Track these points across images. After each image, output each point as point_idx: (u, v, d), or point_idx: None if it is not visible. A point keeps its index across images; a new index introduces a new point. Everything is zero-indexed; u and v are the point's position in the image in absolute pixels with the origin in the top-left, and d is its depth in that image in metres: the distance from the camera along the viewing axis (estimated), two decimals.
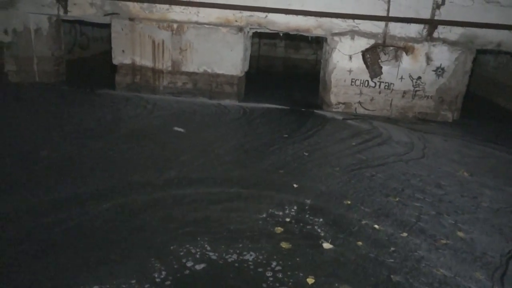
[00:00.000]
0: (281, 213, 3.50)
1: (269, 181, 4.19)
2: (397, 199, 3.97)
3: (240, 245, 2.95)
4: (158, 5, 6.99)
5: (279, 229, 3.23)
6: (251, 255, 2.86)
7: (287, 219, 3.41)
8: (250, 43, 7.67)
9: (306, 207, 3.63)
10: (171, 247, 2.88)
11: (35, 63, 7.52)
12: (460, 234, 3.44)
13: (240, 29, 7.00)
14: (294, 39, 10.95)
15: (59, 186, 3.70)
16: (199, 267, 2.69)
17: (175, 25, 7.04)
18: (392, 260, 2.95)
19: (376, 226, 3.41)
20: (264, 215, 3.44)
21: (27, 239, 2.89)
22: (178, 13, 7.01)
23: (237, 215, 3.41)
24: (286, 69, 11.04)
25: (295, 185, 4.08)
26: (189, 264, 2.72)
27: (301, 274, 2.70)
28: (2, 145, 4.58)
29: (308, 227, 3.31)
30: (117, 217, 3.26)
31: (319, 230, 3.26)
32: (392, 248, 3.10)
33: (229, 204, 3.59)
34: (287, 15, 6.84)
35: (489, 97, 8.98)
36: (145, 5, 7.00)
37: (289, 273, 2.71)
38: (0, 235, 2.91)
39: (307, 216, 3.48)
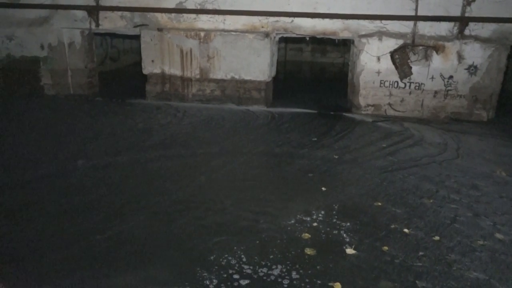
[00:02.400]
0: (309, 218, 3.47)
1: (298, 185, 4.18)
2: (431, 201, 3.88)
3: (271, 256, 2.93)
4: (185, 15, 7.13)
5: (306, 235, 3.21)
6: (280, 266, 2.86)
7: (315, 224, 3.39)
8: (277, 48, 7.69)
9: (334, 212, 3.59)
10: (211, 257, 2.90)
11: (69, 76, 7.81)
12: (499, 235, 3.32)
13: (267, 34, 7.04)
14: (320, 42, 10.92)
15: (94, 195, 3.81)
16: (243, 282, 2.69)
17: (202, 34, 7.16)
18: (420, 264, 2.87)
19: (406, 230, 3.33)
20: (293, 221, 3.42)
21: (69, 247, 2.99)
22: (205, 21, 7.13)
23: (267, 221, 3.41)
24: (313, 73, 11.00)
25: (323, 189, 4.05)
26: (236, 276, 2.71)
27: (318, 282, 2.66)
28: (41, 155, 4.76)
29: (334, 232, 3.27)
30: (153, 225, 3.32)
31: (344, 235, 3.21)
32: (421, 253, 3.02)
33: (259, 210, 3.60)
34: (313, 19, 6.82)
35: None
36: (173, 15, 7.16)
37: (307, 280, 2.67)
38: (39, 236, 3.02)
39: (334, 220, 3.44)
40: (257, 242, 3.11)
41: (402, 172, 4.56)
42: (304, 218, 3.47)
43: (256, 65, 7.18)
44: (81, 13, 7.38)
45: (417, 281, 2.71)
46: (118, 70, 10.82)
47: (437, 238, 3.23)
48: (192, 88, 7.41)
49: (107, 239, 3.07)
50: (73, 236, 3.10)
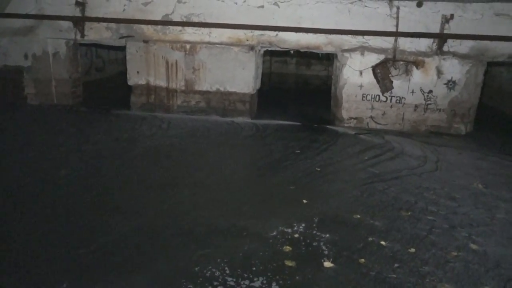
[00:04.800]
0: (290, 230, 3.53)
1: (280, 197, 4.24)
2: (409, 213, 3.97)
3: (254, 268, 2.97)
4: (171, 27, 7.20)
5: (287, 248, 3.26)
6: (262, 278, 2.90)
7: (296, 235, 3.45)
8: (262, 61, 7.80)
9: (314, 224, 3.65)
10: (196, 268, 2.93)
11: (53, 86, 7.79)
12: (473, 246, 3.42)
13: (252, 47, 7.15)
14: (305, 55, 11.08)
15: (78, 205, 3.81)
16: None
17: (188, 46, 7.23)
18: (395, 276, 2.94)
19: (383, 242, 3.40)
20: (275, 233, 3.47)
21: (52, 259, 2.99)
22: (190, 34, 7.21)
23: (250, 233, 3.45)
24: (298, 86, 11.15)
25: (305, 201, 4.12)
26: None
27: None
28: (23, 165, 4.74)
29: (314, 244, 3.33)
30: (138, 237, 3.34)
31: (324, 248, 3.27)
32: (397, 265, 3.09)
33: (243, 222, 3.64)
34: (298, 33, 6.96)
35: (503, 108, 8.89)
36: (159, 27, 7.22)
37: None
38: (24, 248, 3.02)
39: (314, 232, 3.51)
40: (240, 254, 3.15)
41: (382, 184, 4.66)
42: (285, 230, 3.53)
43: (241, 77, 7.27)
44: (66, 24, 7.40)
45: None
46: (103, 80, 10.81)
47: (412, 250, 3.31)
48: (177, 100, 7.46)
49: (92, 252, 3.08)
50: (56, 248, 3.10)
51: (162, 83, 7.44)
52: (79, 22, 7.34)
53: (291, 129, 6.90)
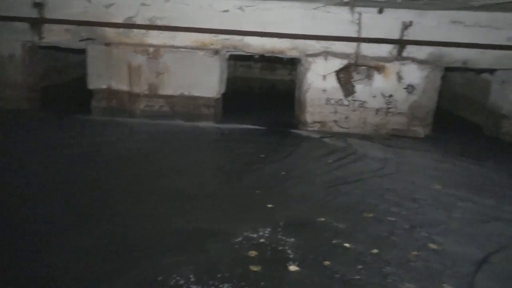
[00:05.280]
0: (255, 235, 3.52)
1: (246, 202, 4.24)
2: (371, 214, 4.06)
3: (219, 275, 2.93)
4: (134, 30, 7.06)
5: (253, 253, 3.25)
6: (227, 284, 2.88)
7: (261, 240, 3.44)
8: (227, 65, 7.79)
9: (280, 228, 3.66)
10: (160, 278, 2.86)
11: (8, 90, 7.46)
12: (433, 245, 3.53)
13: (216, 52, 7.12)
14: (269, 60, 11.14)
15: (31, 216, 3.66)
16: None
17: (151, 49, 7.11)
18: (358, 278, 2.99)
19: (347, 244, 3.45)
20: (240, 238, 3.45)
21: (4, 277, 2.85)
22: (154, 37, 7.10)
23: (216, 240, 3.42)
24: (262, 90, 11.20)
25: (270, 206, 4.13)
26: None
27: None
28: None
29: (280, 248, 3.34)
30: (99, 247, 3.23)
31: (289, 252, 3.28)
32: (360, 266, 3.14)
33: (208, 228, 3.61)
34: (263, 38, 6.99)
35: (458, 112, 9.25)
36: (122, 30, 7.07)
37: None
38: None
39: (279, 237, 3.52)
40: (206, 261, 3.11)
41: (346, 187, 4.74)
42: (251, 235, 3.52)
43: (205, 81, 7.23)
44: (23, 25, 7.11)
45: None
46: (64, 84, 10.45)
47: (375, 251, 3.38)
48: (140, 104, 7.31)
49: (48, 266, 2.96)
50: (9, 264, 2.96)
51: (124, 87, 7.27)
52: (37, 23, 7.08)
53: (256, 134, 6.91)
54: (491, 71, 7.50)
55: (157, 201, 4.10)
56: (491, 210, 4.31)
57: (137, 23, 7.02)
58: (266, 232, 3.58)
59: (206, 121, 7.33)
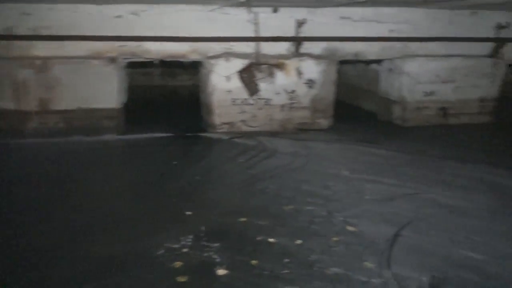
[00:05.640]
0: (178, 245, 3.37)
1: (163, 212, 4.05)
2: (290, 207, 4.13)
3: None
4: (16, 42, 6.38)
5: (178, 264, 3.10)
6: None
7: (185, 250, 3.30)
8: (125, 73, 7.42)
9: (202, 234, 3.55)
10: None
11: None
12: (350, 228, 3.69)
13: (113, 60, 6.74)
14: (169, 66, 10.90)
15: None
16: None
17: (38, 62, 6.49)
18: (287, 271, 3.01)
19: (271, 239, 3.47)
20: (162, 251, 3.28)
21: None
22: (40, 48, 6.49)
23: (136, 256, 3.21)
24: (165, 97, 10.87)
25: (189, 213, 3.99)
26: None
27: None
28: None
29: (205, 255, 3.23)
30: (11, 274, 2.84)
31: (215, 257, 3.20)
32: (287, 259, 3.17)
33: (126, 246, 3.37)
34: (161, 42, 6.77)
35: (355, 102, 9.92)
36: (2, 43, 6.34)
37: None
38: None
39: (203, 243, 3.41)
40: (127, 280, 2.89)
41: (262, 183, 4.77)
42: (173, 246, 3.35)
43: (104, 92, 6.80)
44: None
45: None
46: None
47: (299, 242, 3.44)
48: (31, 123, 6.63)
49: None
50: None
51: (10, 105, 6.53)
52: None
53: (164, 141, 6.67)
54: (379, 61, 8.13)
55: (66, 223, 3.73)
56: (395, 189, 4.65)
57: (19, 34, 6.36)
58: (188, 240, 3.45)
59: (109, 134, 6.89)
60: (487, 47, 7.82)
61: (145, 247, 3.34)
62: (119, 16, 6.59)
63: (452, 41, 7.60)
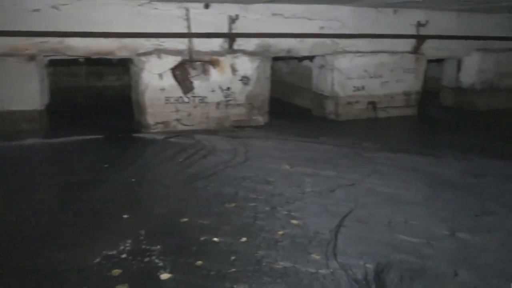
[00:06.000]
0: (115, 251, 3.14)
1: (98, 218, 3.76)
2: (233, 204, 4.03)
3: None
4: None
5: (116, 271, 2.88)
6: None
7: (123, 256, 3.08)
8: (47, 72, 6.87)
9: (141, 238, 3.35)
10: None
11: None
12: (294, 221, 3.68)
13: (32, 57, 6.20)
14: (96, 65, 10.35)
15: None
16: None
17: None
18: (234, 270, 2.92)
19: (215, 239, 3.35)
20: (99, 259, 3.03)
21: None
22: None
23: (70, 267, 2.93)
24: (92, 98, 10.27)
25: (126, 216, 3.75)
26: None
27: None
28: None
29: (146, 259, 3.04)
30: None
31: (157, 261, 3.02)
32: (233, 257, 3.08)
33: (59, 257, 3.06)
34: (87, 38, 6.34)
35: (289, 99, 10.06)
36: None
37: None
38: None
39: (143, 247, 3.21)
40: None
41: (202, 182, 4.63)
42: (110, 253, 3.11)
43: (23, 92, 6.25)
44: None
45: (234, 286, 2.73)
46: None
47: (244, 239, 3.35)
48: None
49: None
50: None
51: None
52: None
53: (94, 144, 6.26)
54: (311, 58, 8.30)
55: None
56: (334, 180, 4.73)
57: None
58: (127, 245, 3.22)
59: (32, 138, 6.32)
60: (409, 43, 8.29)
61: (79, 256, 3.07)
62: (37, 10, 6.07)
63: (378, 38, 7.95)
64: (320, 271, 2.91)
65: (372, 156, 5.66)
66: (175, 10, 6.66)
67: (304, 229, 3.54)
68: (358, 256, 3.12)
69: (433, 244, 3.34)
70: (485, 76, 9.19)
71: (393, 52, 8.20)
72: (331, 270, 2.92)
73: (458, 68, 9.38)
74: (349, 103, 8.08)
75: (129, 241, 3.29)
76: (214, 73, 7.10)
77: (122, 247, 3.19)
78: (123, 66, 9.85)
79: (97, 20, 6.31)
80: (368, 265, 2.99)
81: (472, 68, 9.18)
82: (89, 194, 4.27)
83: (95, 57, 6.68)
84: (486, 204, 4.11)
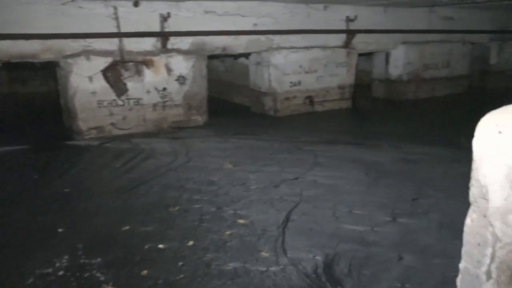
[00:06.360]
0: (51, 269, 2.90)
1: (30, 234, 3.46)
2: (177, 208, 3.90)
3: None
4: None
5: None
6: None
7: (61, 273, 2.85)
8: None
9: (80, 252, 3.13)
10: None
11: None
12: (241, 220, 3.62)
13: None
14: (19, 70, 9.65)
15: None
16: None
17: None
18: (183, 276, 2.81)
19: (161, 245, 3.21)
20: (32, 279, 2.78)
21: None
22: None
23: None
24: (15, 106, 9.52)
25: (60, 230, 3.49)
26: None
27: None
28: None
29: (86, 275, 2.84)
30: None
31: (98, 274, 2.83)
32: (181, 263, 2.97)
33: None
34: (5, 41, 5.83)
35: (227, 97, 10.00)
36: None
37: None
38: None
39: (82, 261, 3.00)
40: None
41: (143, 187, 4.44)
42: (45, 271, 2.87)
43: None
44: None
45: None
46: None
47: (191, 243, 3.25)
48: None
49: None
50: None
51: None
52: None
53: (20, 155, 5.78)
54: (247, 55, 8.28)
55: None
56: (277, 175, 4.74)
57: None
58: (63, 261, 2.99)
59: None
60: (340, 38, 8.55)
61: (10, 278, 2.80)
62: None
63: (310, 33, 8.11)
64: (270, 268, 2.88)
65: (313, 149, 5.75)
66: (102, 8, 6.33)
67: (252, 227, 3.49)
68: (307, 249, 3.13)
69: (377, 231, 3.44)
70: (411, 68, 9.72)
71: (325, 47, 8.41)
72: (282, 267, 2.90)
73: (387, 61, 9.84)
74: (287, 98, 8.17)
75: (66, 256, 3.06)
76: (148, 73, 6.85)
77: (58, 264, 2.96)
78: (47, 70, 9.25)
79: (14, 20, 5.82)
80: (317, 258, 3.01)
81: (399, 60, 9.67)
82: (18, 209, 3.93)
83: (17, 60, 6.16)
84: (421, 188, 4.32)
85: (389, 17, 9.04)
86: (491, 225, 1.36)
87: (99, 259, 3.01)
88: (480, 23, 10.49)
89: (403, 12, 9.20)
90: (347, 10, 8.45)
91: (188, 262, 2.98)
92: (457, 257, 1.58)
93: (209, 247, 3.18)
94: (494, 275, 1.36)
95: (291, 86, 8.17)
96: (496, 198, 1.33)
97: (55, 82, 7.33)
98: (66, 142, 6.39)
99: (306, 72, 8.29)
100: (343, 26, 8.46)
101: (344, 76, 8.73)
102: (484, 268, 1.40)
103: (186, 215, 3.73)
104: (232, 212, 3.79)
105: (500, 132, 1.31)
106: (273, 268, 2.89)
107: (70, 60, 6.28)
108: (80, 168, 5.19)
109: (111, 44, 6.50)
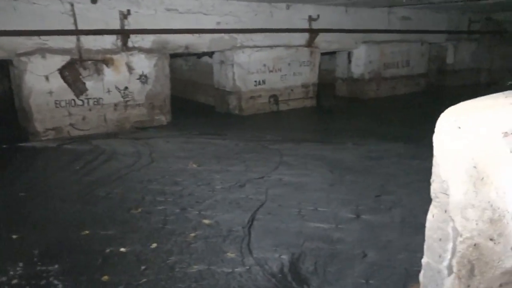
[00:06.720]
0: (5, 278, 2.74)
1: None
2: (139, 210, 3.79)
3: None
4: None
5: None
6: None
7: (15, 281, 2.70)
8: None
9: (36, 259, 2.97)
10: None
11: None
12: (206, 221, 3.56)
13: None
14: None
15: None
16: None
17: None
18: (146, 280, 2.72)
19: (122, 249, 3.10)
20: None
21: None
22: None
23: None
24: None
25: (14, 236, 3.31)
26: None
27: None
28: None
29: (42, 282, 2.70)
30: None
31: (56, 282, 2.70)
32: (143, 267, 2.87)
33: None
34: None
35: (191, 96, 9.87)
36: None
37: None
38: None
39: (38, 268, 2.85)
40: None
41: (104, 189, 4.28)
42: None
43: None
44: None
45: None
46: None
47: (154, 245, 3.16)
48: None
49: None
50: None
51: None
52: None
53: None
54: (211, 54, 8.20)
55: None
56: (243, 175, 4.71)
57: None
58: (18, 269, 2.83)
59: None
60: (303, 37, 8.62)
61: None
62: None
63: (273, 32, 8.12)
64: (236, 269, 2.84)
65: (278, 148, 5.75)
66: (57, 5, 6.08)
67: (217, 228, 3.44)
68: (272, 249, 3.10)
69: (341, 228, 3.46)
70: (372, 67, 9.93)
71: (289, 46, 8.45)
72: (247, 267, 2.87)
73: (349, 60, 10.01)
74: (252, 97, 8.15)
75: (21, 264, 2.90)
76: (108, 72, 6.64)
77: (12, 272, 2.80)
78: (2, 69, 8.80)
79: None
80: (283, 257, 3.00)
81: (361, 59, 9.86)
82: None
83: None
84: (384, 185, 4.40)
85: (351, 17, 9.21)
86: (452, 220, 1.37)
87: (56, 266, 2.87)
88: (436, 23, 10.88)
89: (363, 12, 9.39)
90: (310, 10, 8.52)
91: (151, 265, 2.89)
92: (420, 252, 1.60)
93: (173, 249, 3.10)
94: (455, 269, 1.37)
95: (255, 85, 8.15)
96: (457, 193, 1.35)
97: (9, 81, 6.99)
98: (22, 144, 6.10)
99: (270, 71, 8.30)
100: (306, 26, 8.54)
101: (308, 75, 8.81)
102: (445, 263, 1.41)
103: (149, 217, 3.63)
104: (197, 213, 3.72)
105: (459, 127, 1.32)
106: (238, 269, 2.85)
107: (24, 59, 6.00)
108: (36, 171, 4.97)
109: (68, 42, 6.26)
